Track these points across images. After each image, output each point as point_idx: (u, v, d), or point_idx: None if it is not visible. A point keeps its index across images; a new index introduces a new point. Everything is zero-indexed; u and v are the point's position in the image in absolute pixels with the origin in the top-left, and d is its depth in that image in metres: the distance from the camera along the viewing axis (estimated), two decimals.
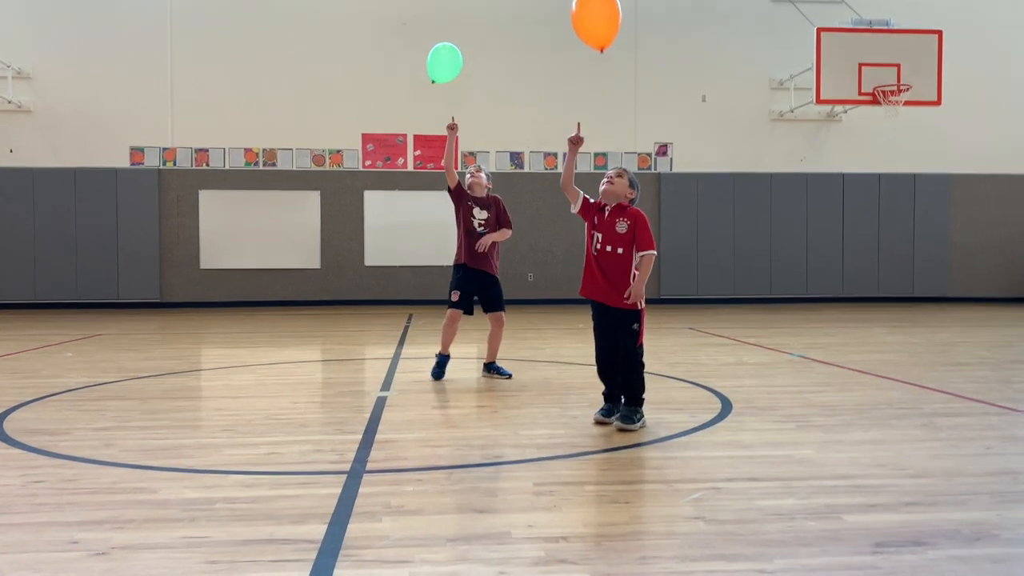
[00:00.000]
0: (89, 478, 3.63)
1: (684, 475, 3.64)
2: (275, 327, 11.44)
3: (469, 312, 6.48)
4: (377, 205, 15.58)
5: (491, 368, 6.59)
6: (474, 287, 6.46)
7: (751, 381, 6.37)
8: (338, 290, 15.51)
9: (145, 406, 5.37)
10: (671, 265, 15.85)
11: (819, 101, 13.79)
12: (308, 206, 15.49)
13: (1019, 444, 4.25)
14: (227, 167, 15.40)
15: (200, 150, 15.36)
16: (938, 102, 13.87)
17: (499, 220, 6.54)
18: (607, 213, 4.68)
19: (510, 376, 6.49)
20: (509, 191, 15.72)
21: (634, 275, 4.59)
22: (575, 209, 4.81)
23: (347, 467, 3.78)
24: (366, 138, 15.60)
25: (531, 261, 15.73)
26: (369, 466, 3.80)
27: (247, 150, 15.43)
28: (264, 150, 15.46)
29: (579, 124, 4.86)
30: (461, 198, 6.51)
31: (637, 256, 4.61)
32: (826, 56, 13.48)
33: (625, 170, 4.82)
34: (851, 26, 13.96)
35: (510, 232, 6.60)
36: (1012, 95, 16.38)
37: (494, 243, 6.43)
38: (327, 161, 15.57)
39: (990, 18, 16.25)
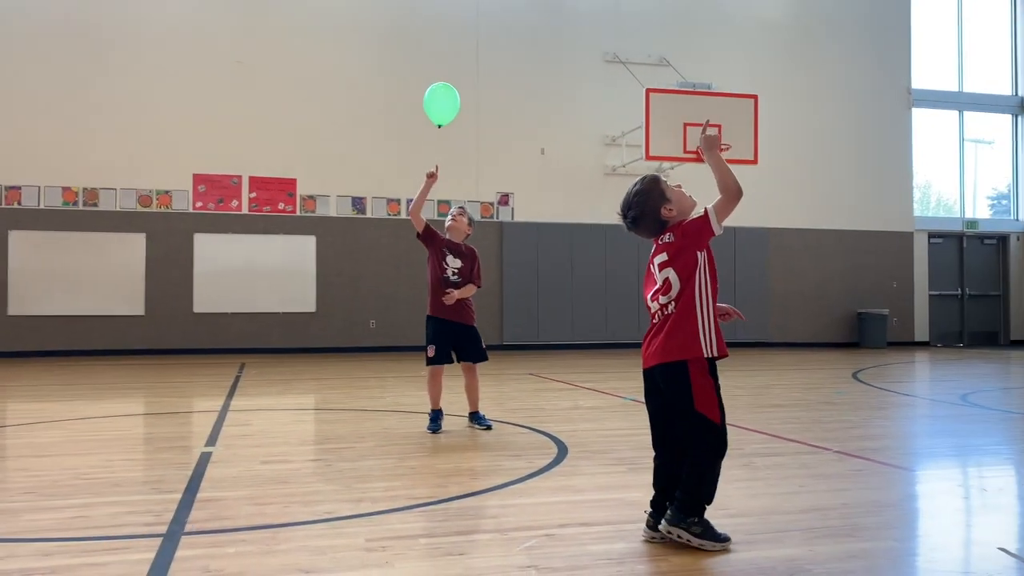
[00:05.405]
0: None
1: (519, 523, 3.63)
2: (92, 378, 10.63)
3: (448, 362, 6.19)
4: (208, 249, 14.91)
5: (475, 418, 6.27)
6: (450, 338, 6.17)
7: (586, 425, 6.50)
8: (164, 338, 14.65)
9: None
10: (513, 312, 16.08)
11: (648, 157, 14.49)
12: (132, 249, 14.61)
13: (828, 481, 4.54)
14: (42, 206, 14.32)
15: (11, 187, 14.22)
16: (755, 161, 14.91)
17: (471, 273, 6.22)
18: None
19: (490, 427, 6.17)
20: (351, 236, 15.52)
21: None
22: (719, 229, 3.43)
23: (163, 529, 3.52)
24: (197, 179, 14.96)
25: (373, 307, 15.51)
26: (188, 527, 3.56)
27: (65, 189, 14.43)
28: (85, 189, 14.50)
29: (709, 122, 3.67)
30: (433, 242, 6.18)
31: None
32: (655, 115, 14.23)
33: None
34: (677, 88, 14.86)
35: (475, 290, 6.25)
36: (818, 156, 17.90)
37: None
38: (154, 202, 14.79)
39: (799, 86, 17.76)
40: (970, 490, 4.59)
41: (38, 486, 4.37)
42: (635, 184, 3.57)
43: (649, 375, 3.47)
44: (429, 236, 6.20)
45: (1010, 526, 3.88)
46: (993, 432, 6.61)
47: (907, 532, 3.70)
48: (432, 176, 6.15)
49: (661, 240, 3.49)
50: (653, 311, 3.48)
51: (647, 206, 3.51)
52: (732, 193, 3.35)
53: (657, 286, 3.46)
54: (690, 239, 3.41)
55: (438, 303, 6.13)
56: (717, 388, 3.37)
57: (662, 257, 3.45)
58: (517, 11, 16.56)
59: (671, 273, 3.40)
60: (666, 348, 3.36)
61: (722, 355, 3.37)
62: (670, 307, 3.40)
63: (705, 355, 3.33)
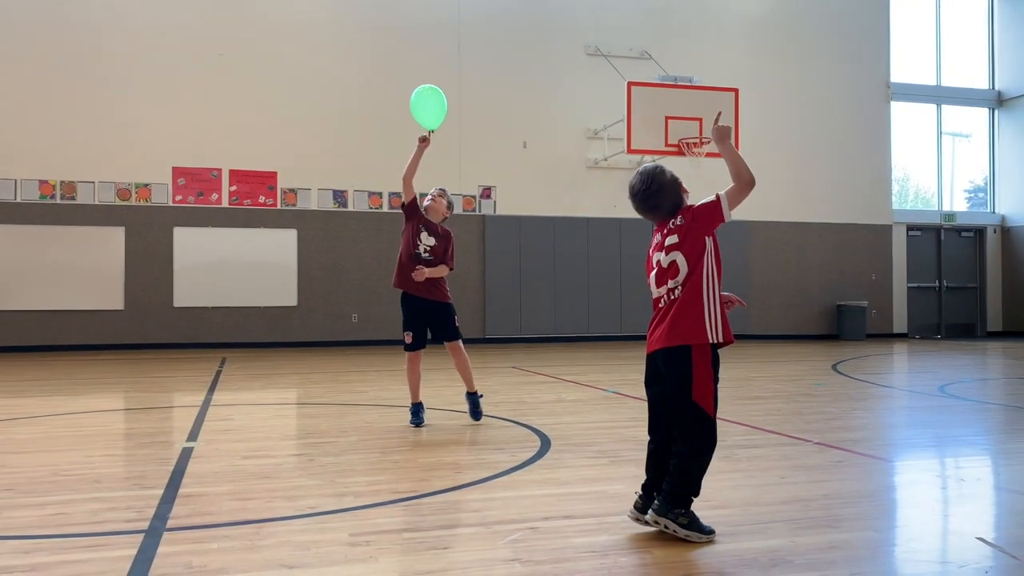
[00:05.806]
0: None
1: (503, 516, 3.64)
2: (70, 374, 10.53)
3: (425, 344, 6.18)
4: (188, 243, 14.79)
5: (470, 398, 6.25)
6: (425, 319, 6.15)
7: (569, 418, 6.51)
8: (144, 333, 14.53)
9: None
10: (495, 305, 16.07)
11: (630, 151, 14.52)
12: (111, 243, 14.46)
13: (809, 472, 4.58)
14: (19, 200, 14.14)
15: None
16: None
17: (445, 254, 6.19)
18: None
19: (478, 419, 6.18)
20: (333, 229, 15.44)
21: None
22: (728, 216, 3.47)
23: (145, 525, 3.50)
24: (177, 172, 14.83)
25: (355, 301, 15.45)
26: (170, 523, 3.53)
27: (42, 182, 14.26)
28: (62, 182, 14.33)
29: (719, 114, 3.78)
30: (413, 215, 6.15)
31: None
32: (636, 109, 14.23)
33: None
34: (658, 81, 14.87)
35: (447, 271, 6.21)
36: (797, 150, 17.98)
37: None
38: (133, 196, 14.65)
39: (779, 80, 17.82)
40: (948, 480, 4.64)
41: (16, 483, 4.32)
42: (642, 168, 3.54)
43: (652, 360, 3.49)
44: (412, 209, 6.17)
45: (988, 516, 3.93)
46: (971, 423, 6.69)
47: (887, 522, 3.74)
48: (425, 140, 6.12)
49: (673, 223, 3.48)
50: (658, 296, 3.49)
51: (667, 180, 3.48)
52: (745, 182, 3.38)
53: (664, 268, 3.45)
54: (699, 223, 3.41)
55: (405, 278, 6.10)
56: (716, 380, 3.37)
57: (672, 239, 3.44)
58: (499, 3, 16.50)
59: (679, 256, 3.40)
60: (670, 333, 3.37)
61: (727, 341, 3.38)
62: (677, 291, 3.41)
63: (710, 340, 3.34)
